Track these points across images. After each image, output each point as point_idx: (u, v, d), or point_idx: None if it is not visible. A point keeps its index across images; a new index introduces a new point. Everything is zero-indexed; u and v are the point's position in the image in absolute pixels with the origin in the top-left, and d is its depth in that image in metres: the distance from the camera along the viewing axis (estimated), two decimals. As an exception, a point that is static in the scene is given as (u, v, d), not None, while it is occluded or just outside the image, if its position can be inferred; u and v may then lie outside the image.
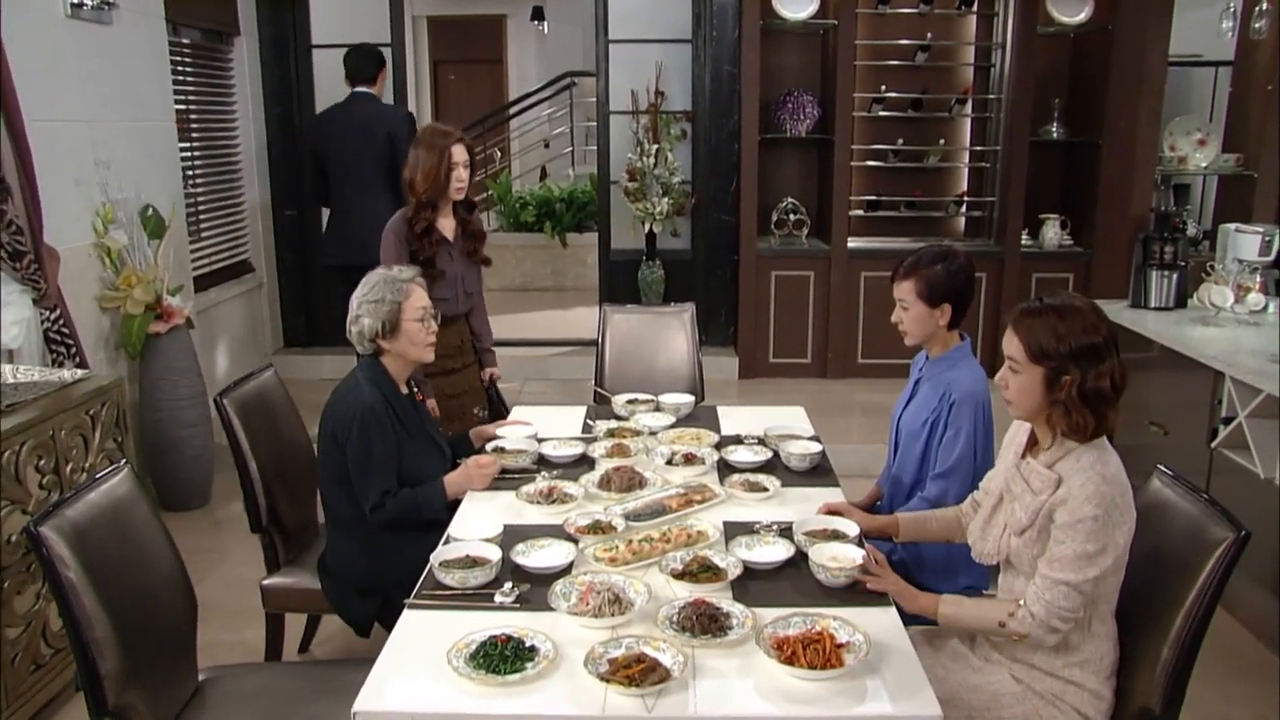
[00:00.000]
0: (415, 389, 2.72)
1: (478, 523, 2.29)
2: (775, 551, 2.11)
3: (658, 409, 3.18)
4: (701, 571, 1.99)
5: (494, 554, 2.06)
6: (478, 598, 1.95)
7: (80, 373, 3.11)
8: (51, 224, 3.38)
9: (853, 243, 5.56)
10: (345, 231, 4.55)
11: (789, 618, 1.80)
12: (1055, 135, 5.72)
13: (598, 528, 2.23)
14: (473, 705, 1.62)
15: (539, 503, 2.41)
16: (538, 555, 2.10)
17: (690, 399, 3.26)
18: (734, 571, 2.00)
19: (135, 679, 1.82)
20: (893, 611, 1.90)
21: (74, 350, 3.47)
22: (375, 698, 1.64)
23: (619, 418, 3.12)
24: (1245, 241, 3.79)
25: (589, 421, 3.09)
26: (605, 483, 2.50)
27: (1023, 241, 5.62)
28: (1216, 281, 3.85)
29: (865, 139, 5.70)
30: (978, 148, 5.83)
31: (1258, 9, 4.52)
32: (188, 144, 4.88)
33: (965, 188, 5.91)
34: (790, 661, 1.67)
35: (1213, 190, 5.64)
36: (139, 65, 4.22)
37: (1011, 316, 1.89)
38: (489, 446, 2.79)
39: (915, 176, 5.84)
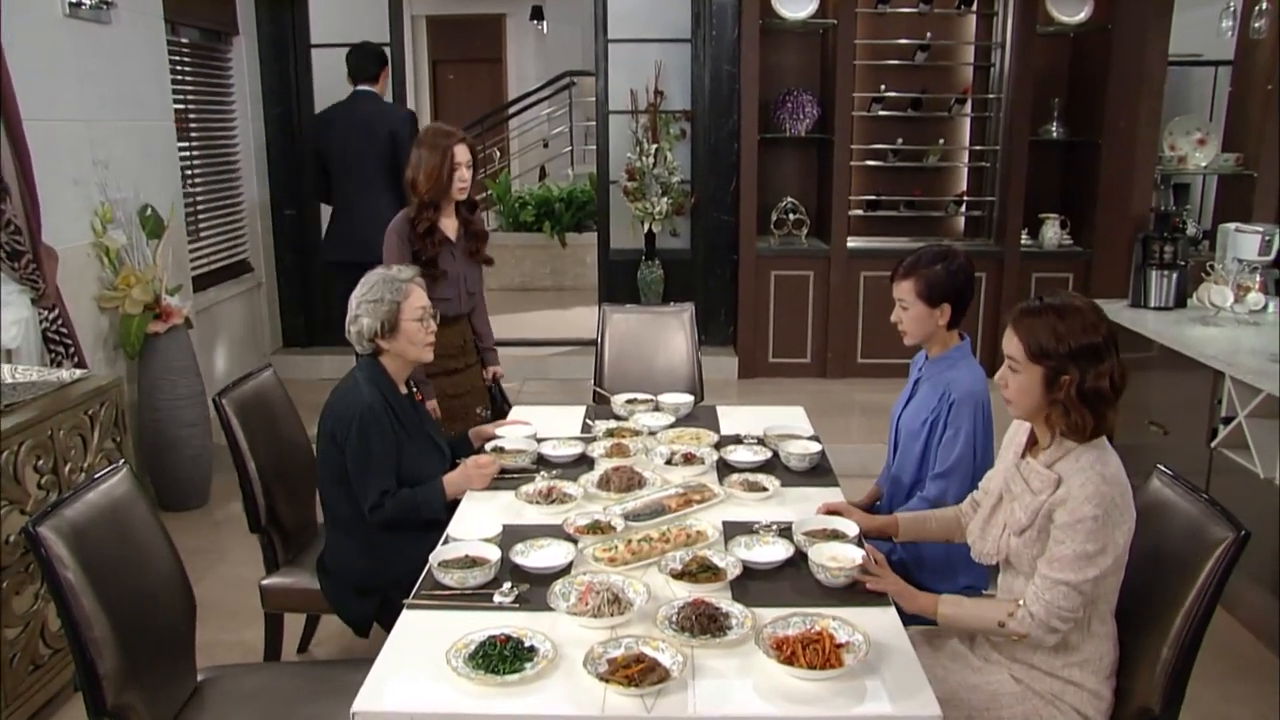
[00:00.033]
0: (414, 389, 2.72)
1: (477, 523, 2.29)
2: (775, 551, 2.11)
3: (657, 409, 3.18)
4: (701, 571, 1.99)
5: (493, 554, 2.06)
6: (477, 598, 1.95)
7: (79, 373, 3.10)
8: (50, 224, 3.37)
9: (852, 242, 5.55)
10: (347, 230, 4.55)
11: (788, 618, 1.80)
12: (1055, 135, 5.72)
13: (597, 528, 2.23)
14: (472, 705, 1.62)
15: (538, 503, 2.40)
16: (537, 555, 2.10)
17: (689, 399, 3.25)
18: (733, 571, 2.00)
19: (134, 679, 1.82)
20: (892, 611, 1.89)
21: (72, 350, 3.47)
22: (374, 698, 1.64)
23: (618, 417, 3.11)
24: (1245, 241, 3.79)
25: (588, 421, 3.08)
26: (604, 483, 2.50)
27: (1022, 241, 5.62)
28: (1216, 281, 3.85)
29: (865, 139, 5.70)
30: (977, 147, 5.82)
31: (1258, 8, 4.51)
32: (186, 143, 4.87)
33: (965, 187, 5.91)
34: (790, 661, 1.67)
35: (1212, 190, 5.63)
36: (137, 65, 4.21)
37: (1011, 316, 1.89)
38: (488, 446, 2.78)
39: (915, 176, 5.84)
